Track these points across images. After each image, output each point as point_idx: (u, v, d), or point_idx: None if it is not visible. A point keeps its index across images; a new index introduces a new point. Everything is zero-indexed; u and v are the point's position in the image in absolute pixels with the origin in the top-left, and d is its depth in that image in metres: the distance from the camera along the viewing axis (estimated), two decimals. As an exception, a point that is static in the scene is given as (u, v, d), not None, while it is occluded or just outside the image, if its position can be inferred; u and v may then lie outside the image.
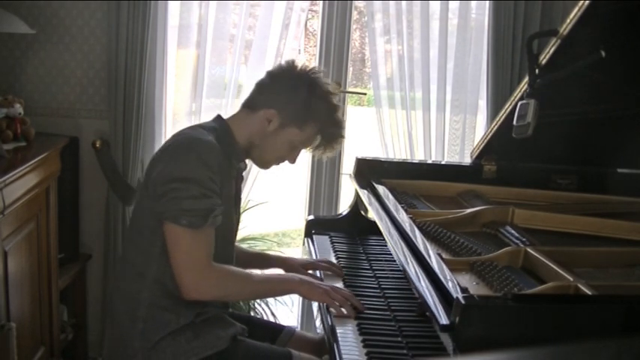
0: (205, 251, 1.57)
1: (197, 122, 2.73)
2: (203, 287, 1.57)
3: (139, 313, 1.61)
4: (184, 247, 1.55)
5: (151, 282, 1.61)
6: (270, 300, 2.97)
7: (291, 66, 1.75)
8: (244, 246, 2.48)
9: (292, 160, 1.80)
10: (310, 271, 1.91)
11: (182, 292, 1.56)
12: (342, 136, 1.80)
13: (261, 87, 1.77)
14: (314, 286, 1.68)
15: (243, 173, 1.83)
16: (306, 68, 1.75)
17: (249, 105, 1.76)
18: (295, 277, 1.75)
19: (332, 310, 1.63)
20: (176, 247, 1.55)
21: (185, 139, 1.63)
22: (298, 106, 1.71)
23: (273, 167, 1.83)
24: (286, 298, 3.06)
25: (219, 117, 1.77)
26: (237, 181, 1.77)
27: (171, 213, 1.53)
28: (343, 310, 1.62)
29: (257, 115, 1.72)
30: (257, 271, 1.92)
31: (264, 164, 1.80)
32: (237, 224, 1.88)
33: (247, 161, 1.80)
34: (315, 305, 1.78)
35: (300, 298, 2.99)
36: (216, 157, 1.59)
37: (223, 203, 1.62)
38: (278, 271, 1.98)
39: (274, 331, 1.89)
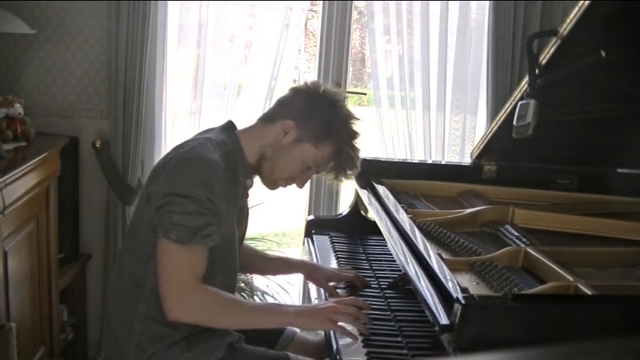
0: (192, 271, 1.51)
1: (197, 122, 2.76)
2: (184, 307, 1.51)
3: (136, 325, 1.59)
4: (171, 263, 1.50)
5: (147, 294, 1.58)
6: (270, 300, 2.96)
7: (316, 85, 1.70)
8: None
9: (301, 184, 1.72)
10: (333, 283, 1.85)
11: (165, 310, 1.50)
12: (356, 166, 1.71)
13: (282, 101, 1.72)
14: (313, 315, 1.59)
15: (249, 191, 1.77)
16: (331, 90, 1.70)
17: (267, 118, 1.70)
18: (290, 308, 1.67)
19: (342, 327, 1.54)
20: (163, 261, 1.51)
21: (189, 155, 1.56)
22: (318, 122, 1.65)
23: (280, 189, 1.75)
24: (287, 297, 3.06)
25: (230, 127, 1.70)
26: (242, 198, 1.72)
27: (162, 226, 1.49)
28: (351, 327, 1.55)
29: (274, 126, 1.66)
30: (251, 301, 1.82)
31: (272, 183, 1.72)
32: (242, 239, 1.82)
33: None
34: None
35: (301, 298, 2.99)
36: (219, 178, 1.53)
37: (226, 223, 1.59)
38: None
39: (275, 333, 1.88)
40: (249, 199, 1.80)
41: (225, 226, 1.59)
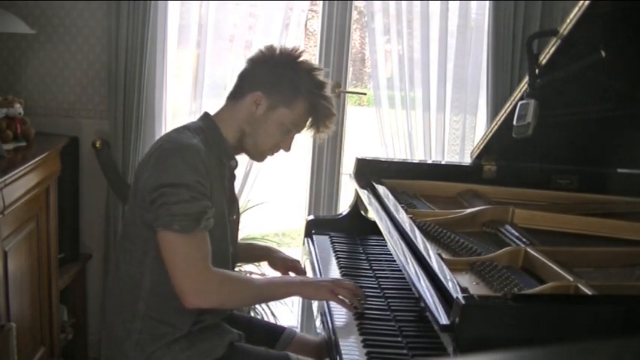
0: (201, 255, 1.53)
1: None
2: (203, 293, 1.52)
3: (135, 324, 1.59)
4: (179, 253, 1.51)
5: (145, 293, 1.58)
6: (271, 300, 2.96)
7: (271, 49, 1.72)
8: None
9: (287, 147, 1.74)
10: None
11: (182, 300, 1.51)
12: (332, 113, 1.73)
13: (243, 75, 1.73)
14: (317, 286, 1.65)
15: (235, 171, 1.78)
16: (286, 49, 1.72)
17: (235, 95, 1.72)
18: (296, 279, 1.72)
19: (337, 305, 1.62)
20: (171, 254, 1.52)
21: (170, 145, 1.58)
22: (284, 84, 1.67)
23: (269, 158, 1.78)
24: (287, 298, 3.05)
25: (206, 115, 1.73)
26: (229, 180, 1.74)
27: (162, 220, 1.50)
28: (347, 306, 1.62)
29: (244, 101, 1.68)
30: (257, 276, 1.89)
31: (259, 155, 1.75)
32: (238, 225, 1.85)
33: (243, 159, 1.78)
34: (315, 305, 1.78)
35: (300, 298, 2.99)
36: (203, 160, 1.55)
37: (215, 206, 1.59)
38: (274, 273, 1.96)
39: (275, 333, 1.88)
40: (235, 180, 1.81)
41: (215, 209, 1.59)
